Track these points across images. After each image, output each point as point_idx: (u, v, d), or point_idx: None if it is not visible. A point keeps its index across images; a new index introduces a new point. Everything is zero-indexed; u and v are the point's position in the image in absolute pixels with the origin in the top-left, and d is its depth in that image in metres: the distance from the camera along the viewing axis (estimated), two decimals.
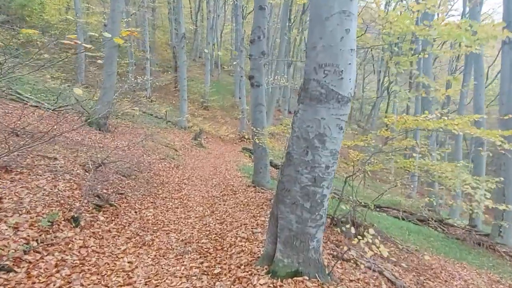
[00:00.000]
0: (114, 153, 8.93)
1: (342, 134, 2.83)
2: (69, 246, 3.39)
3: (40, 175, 4.84)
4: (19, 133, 7.14)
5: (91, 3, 21.18)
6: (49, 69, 17.39)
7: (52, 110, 10.99)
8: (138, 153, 10.06)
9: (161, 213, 5.71)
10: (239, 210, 6.06)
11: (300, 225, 2.86)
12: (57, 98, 12.40)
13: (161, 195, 6.96)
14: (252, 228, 4.77)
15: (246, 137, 18.88)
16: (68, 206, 4.17)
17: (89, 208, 4.51)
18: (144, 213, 5.39)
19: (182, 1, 17.57)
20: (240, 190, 7.99)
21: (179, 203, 6.70)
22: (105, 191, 5.57)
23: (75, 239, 3.55)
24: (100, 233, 3.97)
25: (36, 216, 3.53)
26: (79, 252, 3.36)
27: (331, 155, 2.79)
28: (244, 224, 5.01)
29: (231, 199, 7.21)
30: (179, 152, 12.78)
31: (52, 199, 4.14)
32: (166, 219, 5.39)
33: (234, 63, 20.86)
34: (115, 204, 5.18)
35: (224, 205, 6.71)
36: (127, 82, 14.41)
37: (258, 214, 5.48)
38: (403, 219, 10.39)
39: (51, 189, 4.48)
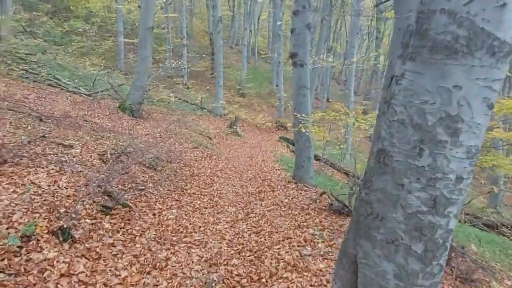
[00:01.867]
0: (144, 140, 8.00)
1: (489, 117, 1.45)
2: (44, 275, 2.31)
3: (42, 168, 3.84)
4: (43, 118, 6.34)
5: None
6: (90, 56, 17.02)
7: (88, 96, 10.32)
8: (169, 141, 9.07)
9: (185, 215, 4.58)
10: (279, 214, 4.80)
11: (402, 283, 1.54)
12: (93, 83, 11.74)
13: (188, 191, 5.86)
14: (298, 246, 3.50)
15: (284, 125, 17.52)
16: (60, 211, 3.10)
17: (92, 211, 3.44)
18: (165, 216, 4.28)
19: None
20: (279, 186, 6.72)
21: (209, 201, 5.55)
22: (120, 186, 4.52)
23: (56, 262, 2.46)
24: (97, 250, 2.87)
25: (7, 228, 2.49)
26: (56, 286, 2.27)
27: (468, 157, 1.42)
28: (287, 238, 3.74)
29: (269, 197, 5.97)
30: (213, 140, 11.71)
31: (42, 201, 3.10)
32: (190, 224, 4.25)
33: (274, 46, 19.37)
34: (129, 204, 4.10)
35: (261, 205, 5.48)
36: (162, 67, 13.51)
37: (304, 223, 4.20)
38: (464, 222, 8.67)
39: (48, 186, 3.45)
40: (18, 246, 2.37)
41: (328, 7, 18.88)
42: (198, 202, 5.37)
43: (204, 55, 21.90)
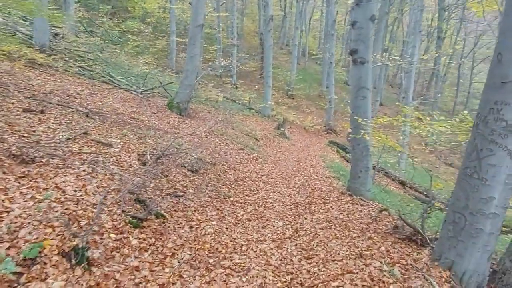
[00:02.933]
0: (188, 140, 7.58)
1: None
2: None
3: (73, 169, 3.43)
4: (90, 113, 6.12)
5: None
6: (144, 55, 17.31)
7: (139, 93, 10.24)
8: (215, 141, 8.59)
9: (226, 228, 3.95)
10: (334, 235, 3.99)
11: None
12: (144, 81, 11.70)
13: (231, 198, 5.25)
14: (363, 287, 2.68)
15: (333, 129, 16.46)
16: (81, 223, 2.60)
17: (119, 223, 2.92)
18: (203, 230, 3.68)
19: None
20: (331, 198, 5.87)
21: (253, 211, 4.89)
22: (157, 192, 4.01)
23: None
24: (117, 277, 2.31)
25: (8, 248, 2.01)
26: None
27: None
28: (347, 272, 2.93)
29: (321, 211, 5.16)
30: (260, 142, 11.09)
31: (62, 210, 2.62)
32: (231, 240, 3.61)
33: (326, 46, 18.31)
34: (164, 213, 3.56)
35: (312, 220, 4.69)
36: (211, 65, 13.18)
37: (367, 251, 3.35)
38: None
39: (74, 191, 3.00)
40: (16, 273, 1.87)
41: (387, 2, 17.40)
42: (241, 212, 4.72)
43: (253, 56, 21.43)
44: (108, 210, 2.97)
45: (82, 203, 2.90)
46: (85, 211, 2.80)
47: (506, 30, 2.57)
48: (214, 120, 10.02)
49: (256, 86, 19.32)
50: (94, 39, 12.86)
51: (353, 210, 5.18)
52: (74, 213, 2.72)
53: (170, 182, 4.55)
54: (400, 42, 26.23)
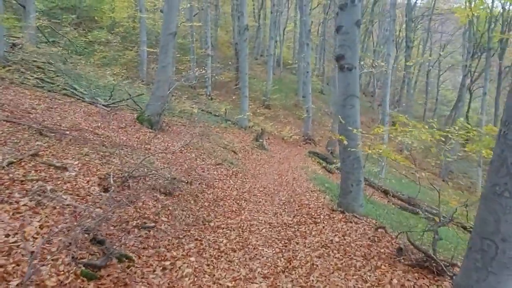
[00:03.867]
0: (161, 157, 6.85)
1: None
2: None
3: (10, 203, 2.67)
4: (44, 131, 5.28)
5: None
6: (112, 66, 16.35)
7: (105, 106, 9.39)
8: (191, 156, 7.89)
9: (208, 265, 3.27)
10: (335, 266, 3.41)
11: None
12: (111, 93, 10.84)
13: (212, 223, 4.57)
14: None
15: (312, 139, 16.13)
16: (10, 285, 1.88)
17: (67, 278, 2.20)
18: (179, 270, 2.99)
19: None
20: (321, 216, 5.32)
21: (237, 237, 4.24)
22: (122, 226, 3.28)
23: None
24: None
25: None
26: None
27: None
28: None
29: (313, 233, 4.58)
30: (238, 155, 10.46)
31: None
32: (214, 282, 2.94)
33: (302, 55, 18.07)
34: (129, 255, 2.85)
35: (305, 246, 4.10)
36: (184, 76, 12.48)
37: (377, 286, 2.80)
38: None
39: (6, 236, 2.25)
40: None
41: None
42: (224, 240, 4.06)
43: (228, 67, 20.93)
44: (53, 260, 2.25)
45: (16, 252, 2.16)
46: (18, 265, 2.07)
47: None
48: (190, 134, 9.32)
49: (233, 97, 18.75)
50: (56, 49, 11.86)
51: (348, 230, 4.65)
52: (2, 269, 1.99)
53: (139, 211, 3.83)
54: (371, 52, 26.67)
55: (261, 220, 5.16)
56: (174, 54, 13.25)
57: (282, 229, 4.86)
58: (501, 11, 14.71)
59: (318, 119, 19.05)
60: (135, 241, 3.13)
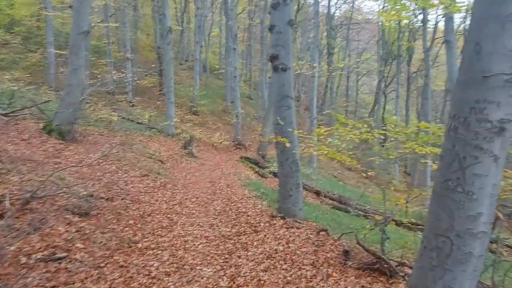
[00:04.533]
0: (74, 171, 5.92)
1: None
2: None
3: None
4: None
5: None
6: (11, 70, 14.16)
7: (3, 116, 7.97)
8: (111, 169, 7.03)
9: None
10: (282, 277, 3.15)
11: None
12: (9, 101, 9.28)
13: (139, 244, 3.98)
14: None
15: (242, 144, 16.04)
16: None
17: None
18: None
19: None
20: (262, 225, 5.07)
21: (171, 258, 3.74)
22: (23, 260, 2.57)
23: None
24: None
25: None
26: None
27: None
28: None
29: (255, 243, 4.30)
30: (166, 164, 9.74)
31: None
32: None
33: (229, 60, 17.90)
34: None
35: (248, 259, 3.78)
36: (100, 80, 11.26)
37: None
38: None
39: None
40: None
41: None
42: (156, 264, 3.52)
43: (151, 71, 19.77)
44: None
45: None
46: None
47: (482, 17, 2.17)
48: (109, 144, 8.36)
49: (157, 103, 17.68)
50: None
51: (291, 236, 4.47)
52: None
53: (45, 239, 3.10)
54: (296, 59, 27.90)
55: (197, 235, 4.71)
56: (87, 57, 11.90)
57: (221, 242, 4.48)
58: (408, 22, 16.66)
59: (247, 124, 19.07)
60: (40, 279, 2.46)
